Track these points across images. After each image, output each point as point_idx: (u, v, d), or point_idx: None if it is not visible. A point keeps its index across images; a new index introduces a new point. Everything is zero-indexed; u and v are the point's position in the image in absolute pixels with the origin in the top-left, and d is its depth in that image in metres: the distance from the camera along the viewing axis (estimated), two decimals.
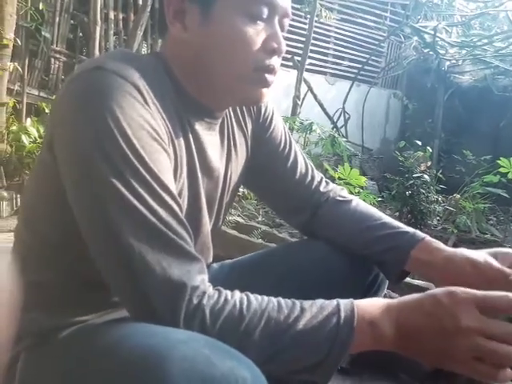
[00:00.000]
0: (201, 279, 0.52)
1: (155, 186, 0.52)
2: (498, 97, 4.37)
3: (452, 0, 5.72)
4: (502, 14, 5.05)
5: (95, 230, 0.53)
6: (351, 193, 1.93)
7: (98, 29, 2.63)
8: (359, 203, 0.83)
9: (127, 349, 0.46)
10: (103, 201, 0.51)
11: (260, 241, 2.01)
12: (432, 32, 4.51)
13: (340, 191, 0.85)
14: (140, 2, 2.73)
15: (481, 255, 0.69)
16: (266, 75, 0.63)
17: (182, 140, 0.63)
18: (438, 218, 2.73)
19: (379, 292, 0.79)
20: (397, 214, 2.69)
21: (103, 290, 0.56)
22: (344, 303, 0.53)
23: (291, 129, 3.31)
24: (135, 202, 0.51)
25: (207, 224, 0.70)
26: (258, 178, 0.83)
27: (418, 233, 0.75)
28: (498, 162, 1.89)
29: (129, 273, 0.51)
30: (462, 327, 0.48)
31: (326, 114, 4.46)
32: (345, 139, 3.66)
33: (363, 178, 1.92)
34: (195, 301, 0.50)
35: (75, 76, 0.56)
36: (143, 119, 0.54)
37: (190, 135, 0.65)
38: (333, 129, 4.19)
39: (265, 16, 0.61)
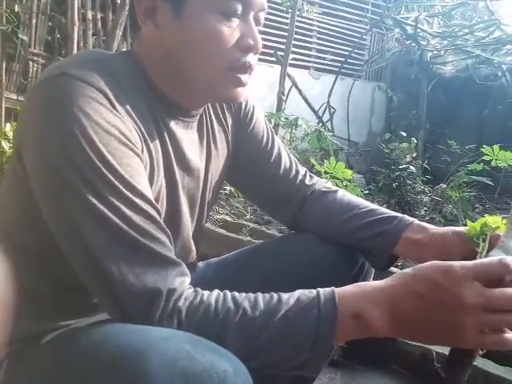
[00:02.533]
0: (180, 282, 0.51)
1: (126, 192, 0.51)
2: (481, 86, 4.40)
3: None
4: (481, 4, 5.09)
5: (69, 242, 0.52)
6: (338, 186, 1.92)
7: (75, 29, 2.58)
8: (345, 193, 0.82)
9: (109, 349, 0.46)
10: (74, 213, 0.50)
11: (249, 238, 1.99)
12: (413, 23, 4.53)
13: (325, 183, 0.85)
14: (118, 1, 2.68)
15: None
16: (240, 75, 0.62)
17: (157, 142, 0.61)
18: (425, 208, 2.75)
19: (366, 281, 0.78)
20: (384, 205, 2.70)
21: (86, 294, 0.56)
22: (324, 294, 0.52)
23: (277, 125, 3.29)
24: (106, 211, 0.50)
25: (188, 225, 0.69)
26: (242, 174, 0.83)
27: (407, 217, 0.75)
28: (482, 150, 1.90)
29: (103, 282, 0.50)
30: (467, 305, 0.47)
31: (312, 108, 4.45)
32: (331, 133, 3.66)
33: (349, 171, 1.92)
34: (171, 303, 0.49)
35: (39, 83, 0.55)
36: (110, 124, 0.53)
37: (166, 135, 0.63)
38: (318, 123, 4.19)
39: (239, 12, 0.60)
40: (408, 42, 4.92)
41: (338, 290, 0.52)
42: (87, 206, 0.50)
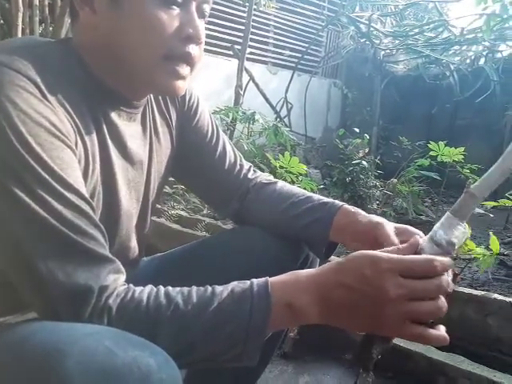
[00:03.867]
0: (113, 279, 0.50)
1: (57, 186, 0.49)
2: (430, 85, 4.59)
3: None
4: (431, 5, 5.30)
5: None
6: (292, 181, 1.94)
7: (20, 15, 2.44)
8: (285, 184, 0.83)
9: (31, 346, 0.44)
10: (1, 208, 0.48)
11: (204, 233, 1.97)
12: (367, 22, 4.64)
13: (266, 176, 0.85)
14: None
15: (386, 223, 0.70)
16: (178, 68, 0.60)
17: (93, 134, 0.59)
18: (377, 202, 2.84)
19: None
20: (339, 199, 2.76)
21: (17, 291, 0.53)
22: (258, 284, 0.52)
23: (234, 119, 3.28)
24: (34, 206, 0.47)
25: (129, 220, 0.67)
26: (187, 168, 0.81)
27: (337, 202, 0.77)
28: (428, 146, 1.98)
29: (32, 280, 0.48)
30: (390, 297, 0.48)
31: (269, 103, 4.47)
32: (288, 129, 3.69)
33: (303, 166, 1.94)
34: (103, 301, 0.48)
35: None
36: (40, 115, 0.50)
37: (105, 127, 0.61)
38: (276, 118, 4.21)
39: (179, 0, 0.58)
40: (362, 40, 5.04)
41: (271, 280, 0.52)
42: (14, 201, 0.47)
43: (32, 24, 2.93)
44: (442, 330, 0.51)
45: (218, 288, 0.52)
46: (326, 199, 0.77)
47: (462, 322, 1.23)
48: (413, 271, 0.50)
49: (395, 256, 0.50)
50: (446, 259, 0.51)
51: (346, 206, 0.75)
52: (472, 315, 1.23)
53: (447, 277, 0.51)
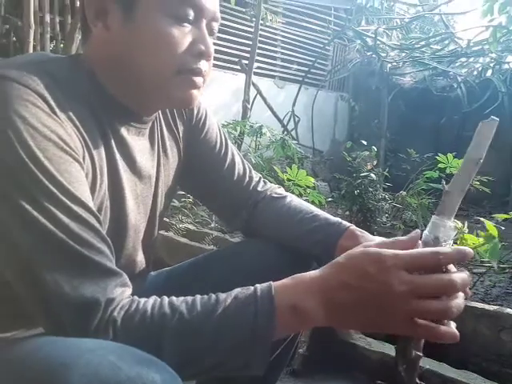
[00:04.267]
0: (119, 292, 0.50)
1: (64, 199, 0.49)
2: (437, 97, 4.59)
3: (392, 5, 5.97)
4: (437, 17, 5.33)
5: (3, 251, 0.50)
6: (300, 194, 1.93)
7: (31, 32, 2.49)
8: (293, 199, 0.83)
9: (36, 360, 0.44)
10: (9, 221, 0.48)
11: (212, 247, 1.97)
12: (373, 35, 4.68)
13: (276, 189, 0.85)
14: (78, 4, 2.62)
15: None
16: (193, 77, 0.61)
17: (101, 148, 0.59)
18: (386, 215, 2.81)
19: None
20: (347, 212, 2.74)
21: (24, 306, 0.52)
22: (261, 289, 0.51)
23: (242, 132, 3.30)
24: (42, 219, 0.48)
25: (136, 234, 0.67)
26: (196, 180, 0.82)
27: (344, 222, 0.76)
28: (437, 158, 1.97)
29: (39, 293, 0.48)
30: (395, 293, 0.47)
31: (276, 117, 4.49)
32: (295, 142, 3.69)
33: (311, 179, 1.93)
34: (108, 314, 0.48)
35: None
36: (49, 129, 0.50)
37: (113, 142, 0.61)
38: (283, 132, 4.22)
39: (191, 18, 0.60)
40: (368, 54, 5.07)
41: (275, 284, 0.51)
42: (22, 214, 0.47)
43: (43, 41, 2.99)
44: (451, 326, 0.49)
45: (222, 295, 0.51)
46: (332, 219, 0.77)
47: (475, 338, 1.21)
48: (417, 264, 0.48)
49: (398, 251, 0.49)
50: (449, 251, 0.49)
51: (353, 227, 0.75)
52: (485, 331, 1.20)
53: (463, 274, 0.49)
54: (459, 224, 0.56)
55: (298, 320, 0.51)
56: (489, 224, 1.28)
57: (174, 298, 0.51)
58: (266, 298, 0.50)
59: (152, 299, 0.51)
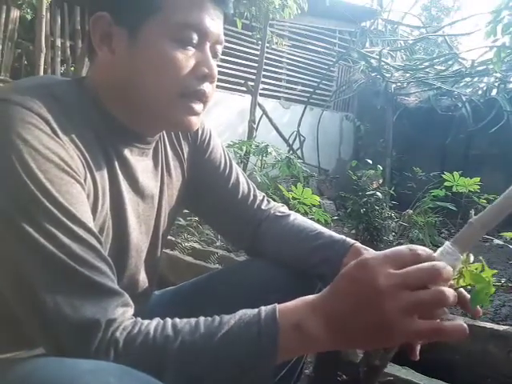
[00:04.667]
0: (121, 312, 0.50)
1: (65, 220, 0.50)
2: (442, 116, 4.61)
3: (395, 27, 6.07)
4: (441, 39, 5.39)
5: (3, 272, 0.50)
6: (306, 212, 1.93)
7: (42, 56, 2.56)
8: (297, 217, 0.83)
9: (36, 382, 0.44)
10: (9, 242, 0.48)
11: (216, 266, 1.96)
12: (377, 57, 4.74)
13: (280, 208, 0.85)
14: (87, 29, 2.70)
15: None
16: (193, 104, 0.62)
17: (104, 169, 0.60)
18: (393, 233, 2.79)
19: None
20: (353, 231, 2.73)
21: (23, 327, 0.53)
22: (266, 310, 0.51)
23: (248, 152, 3.32)
24: (42, 240, 0.48)
25: (138, 254, 0.67)
26: (201, 200, 0.82)
27: (348, 239, 0.75)
28: (443, 176, 1.96)
29: (39, 314, 0.48)
30: (382, 288, 0.46)
31: (282, 136, 4.53)
32: (301, 161, 3.71)
33: (317, 197, 1.93)
34: (109, 335, 0.47)
35: None
36: (50, 151, 0.51)
37: (116, 162, 0.62)
38: (289, 151, 4.25)
39: (195, 41, 0.61)
40: (373, 74, 5.13)
41: (279, 306, 0.51)
42: (22, 235, 0.48)
43: (54, 64, 3.08)
44: (459, 320, 0.47)
45: (226, 317, 0.51)
46: (336, 236, 0.76)
47: (485, 359, 1.18)
48: (399, 261, 0.47)
49: (380, 252, 0.49)
50: (428, 250, 0.49)
51: (357, 245, 0.74)
52: (495, 351, 1.18)
53: (443, 263, 0.48)
54: (471, 258, 0.54)
55: (301, 340, 0.50)
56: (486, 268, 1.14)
57: (177, 320, 0.51)
58: (269, 318, 0.50)
59: (155, 321, 0.51)
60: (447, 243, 0.52)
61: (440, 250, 0.52)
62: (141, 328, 0.49)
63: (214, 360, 0.48)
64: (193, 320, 0.51)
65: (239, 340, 0.49)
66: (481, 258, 0.53)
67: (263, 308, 0.51)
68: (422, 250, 0.49)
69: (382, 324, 0.46)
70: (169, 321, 0.51)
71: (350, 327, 0.48)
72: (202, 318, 0.51)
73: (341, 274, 0.50)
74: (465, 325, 0.47)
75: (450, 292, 0.47)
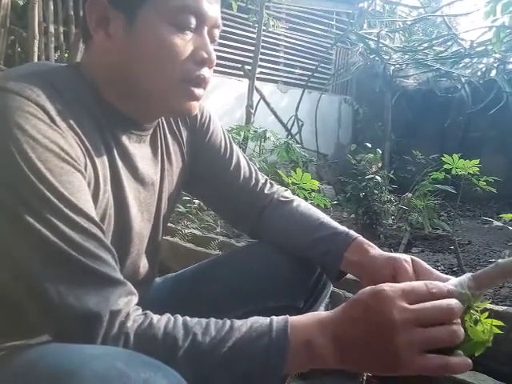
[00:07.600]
0: (125, 302, 0.50)
1: (66, 210, 0.49)
2: (442, 98, 4.57)
3: (393, 8, 5.98)
4: (439, 19, 5.32)
5: (6, 263, 0.50)
6: (305, 197, 1.93)
7: (36, 43, 2.52)
8: (300, 203, 0.82)
9: (42, 369, 0.44)
10: (11, 233, 0.48)
11: (217, 252, 1.97)
12: (376, 38, 4.68)
13: (283, 192, 0.85)
14: (81, 14, 2.65)
15: (403, 257, 0.69)
16: (194, 88, 0.61)
17: (104, 157, 0.59)
18: (392, 217, 2.80)
19: (325, 290, 0.79)
20: (353, 215, 2.73)
21: (27, 315, 0.53)
22: (277, 322, 0.51)
23: (246, 137, 3.31)
24: (44, 231, 0.48)
25: (140, 241, 0.67)
26: (202, 184, 0.82)
27: (351, 233, 0.75)
28: (442, 159, 1.95)
29: (42, 304, 0.48)
30: (395, 322, 0.46)
31: (280, 121, 4.50)
32: (299, 146, 3.70)
33: (316, 182, 1.92)
34: (117, 325, 0.48)
35: None
36: (49, 140, 0.51)
37: (115, 150, 0.62)
38: (287, 136, 4.23)
39: (193, 26, 0.59)
40: (371, 57, 5.07)
41: (291, 319, 0.51)
42: (24, 226, 0.47)
43: (48, 51, 3.03)
44: (461, 355, 0.49)
45: (237, 322, 0.51)
46: (339, 228, 0.76)
47: None
48: (416, 295, 0.48)
49: (396, 284, 0.49)
50: (444, 289, 0.49)
51: (360, 239, 0.74)
52: None
53: (456, 301, 0.49)
54: (483, 305, 0.53)
55: (310, 357, 0.50)
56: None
57: (187, 319, 0.51)
58: (281, 331, 0.50)
59: (165, 317, 0.51)
60: (468, 275, 0.52)
61: (459, 279, 0.52)
62: (151, 323, 0.49)
63: (222, 366, 0.49)
64: (203, 321, 0.51)
65: (248, 350, 0.49)
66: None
67: (275, 319, 0.51)
68: (438, 287, 0.49)
69: (391, 355, 0.47)
70: (179, 318, 0.51)
71: (358, 352, 0.49)
72: (212, 320, 0.51)
73: (355, 299, 0.50)
74: (470, 361, 0.48)
75: (461, 332, 0.48)
